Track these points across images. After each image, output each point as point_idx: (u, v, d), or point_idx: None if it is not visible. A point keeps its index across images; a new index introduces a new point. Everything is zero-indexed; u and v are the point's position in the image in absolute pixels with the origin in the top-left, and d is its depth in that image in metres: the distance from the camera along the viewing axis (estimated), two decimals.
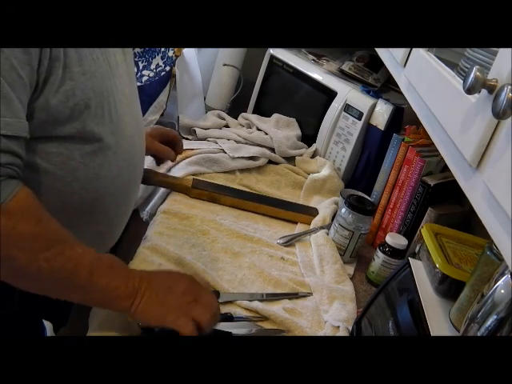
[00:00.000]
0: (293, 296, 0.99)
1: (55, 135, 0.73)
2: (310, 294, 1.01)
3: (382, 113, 1.34)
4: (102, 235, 0.90)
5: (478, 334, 0.59)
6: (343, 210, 1.15)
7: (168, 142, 1.14)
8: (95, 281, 0.71)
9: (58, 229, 0.70)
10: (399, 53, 0.90)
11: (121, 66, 0.86)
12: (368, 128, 1.37)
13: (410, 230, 1.17)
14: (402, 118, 1.33)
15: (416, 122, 1.18)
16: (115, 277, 0.74)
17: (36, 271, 0.67)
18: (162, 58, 1.53)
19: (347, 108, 1.41)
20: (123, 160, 0.85)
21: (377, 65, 1.52)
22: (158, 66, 1.52)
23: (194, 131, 1.48)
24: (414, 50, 0.83)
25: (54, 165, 0.75)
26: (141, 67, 1.52)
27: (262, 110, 1.65)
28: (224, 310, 0.91)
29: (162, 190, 1.24)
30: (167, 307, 0.76)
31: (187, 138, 1.49)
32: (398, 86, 0.95)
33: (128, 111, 0.86)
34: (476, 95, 0.50)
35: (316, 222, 1.24)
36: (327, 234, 1.19)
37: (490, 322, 0.58)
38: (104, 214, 0.86)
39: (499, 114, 0.41)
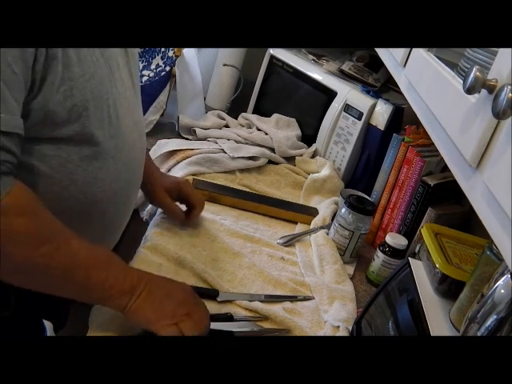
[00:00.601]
0: (292, 299, 0.99)
1: (53, 137, 0.73)
2: (310, 297, 1.01)
3: (382, 113, 1.34)
4: (100, 239, 0.87)
5: (478, 334, 0.59)
6: (343, 210, 1.15)
7: (185, 201, 1.10)
8: (91, 277, 0.71)
9: (54, 223, 0.70)
10: (399, 53, 0.90)
11: (123, 69, 0.85)
12: (368, 128, 1.37)
13: (410, 229, 1.17)
14: (402, 118, 1.33)
15: (416, 121, 1.18)
16: (112, 273, 0.73)
17: (32, 267, 0.67)
18: (162, 58, 1.53)
19: (347, 108, 1.41)
20: (122, 164, 0.84)
21: (377, 65, 1.52)
22: (158, 66, 1.52)
23: (194, 131, 1.49)
24: (413, 50, 0.83)
25: (51, 167, 0.74)
26: (141, 67, 1.52)
27: (262, 110, 1.65)
28: (224, 309, 0.91)
29: None
30: (161, 313, 0.75)
31: (187, 138, 1.49)
32: (397, 86, 0.94)
33: (129, 115, 0.86)
34: (476, 95, 0.50)
35: (316, 221, 1.24)
36: (327, 234, 1.19)
37: (489, 321, 0.58)
38: (102, 218, 0.85)
39: (499, 114, 0.41)
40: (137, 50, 0.95)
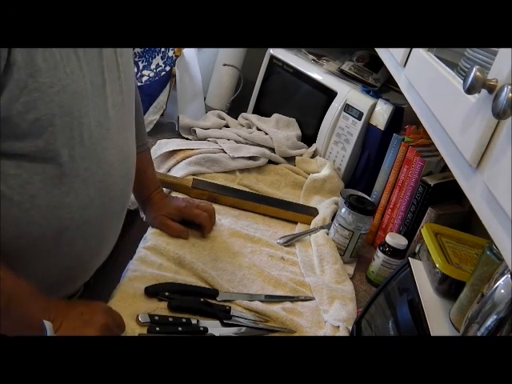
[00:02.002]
0: (292, 299, 0.99)
1: (13, 153, 0.66)
2: (310, 298, 1.01)
3: (382, 113, 1.34)
4: (69, 270, 0.82)
5: (478, 334, 0.59)
6: (343, 210, 1.15)
7: (192, 223, 1.07)
8: (13, 309, 0.67)
9: None
10: (399, 53, 0.90)
11: (111, 85, 0.78)
12: (368, 128, 1.37)
13: (410, 230, 1.17)
14: (402, 118, 1.33)
15: (416, 122, 1.18)
16: (32, 306, 0.69)
17: None
18: (162, 58, 1.53)
19: (347, 108, 1.41)
20: (96, 190, 0.77)
21: (377, 65, 1.52)
22: (158, 65, 1.52)
23: (194, 131, 1.49)
24: (413, 50, 0.83)
25: (10, 188, 0.68)
26: (141, 67, 1.52)
27: (262, 110, 1.65)
28: None
29: None
30: None
31: (187, 138, 1.49)
32: (397, 86, 0.95)
33: (109, 136, 0.78)
34: (476, 95, 0.50)
35: (316, 222, 1.24)
36: (327, 234, 1.19)
37: (489, 321, 0.58)
38: (70, 248, 0.78)
39: (499, 114, 0.41)
40: (129, 62, 0.86)
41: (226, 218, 1.17)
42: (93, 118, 0.74)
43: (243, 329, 0.88)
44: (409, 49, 0.85)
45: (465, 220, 1.15)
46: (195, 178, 1.26)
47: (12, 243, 0.70)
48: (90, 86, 0.73)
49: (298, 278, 1.05)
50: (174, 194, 1.20)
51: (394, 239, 1.10)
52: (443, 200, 1.16)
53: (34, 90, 0.64)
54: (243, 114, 1.62)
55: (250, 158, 1.40)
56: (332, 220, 1.23)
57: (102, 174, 0.78)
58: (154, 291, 0.88)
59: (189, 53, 1.58)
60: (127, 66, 0.84)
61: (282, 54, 1.60)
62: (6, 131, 0.65)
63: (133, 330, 0.80)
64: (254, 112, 1.67)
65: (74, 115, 0.70)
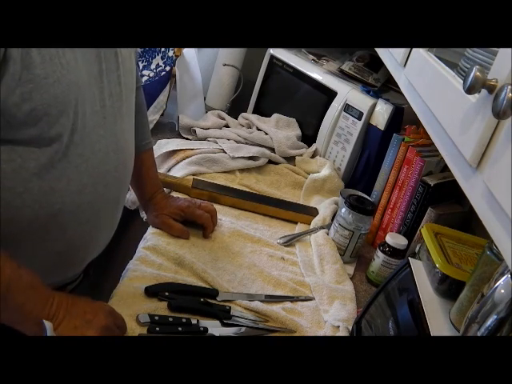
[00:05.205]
0: (292, 299, 0.99)
1: (8, 139, 0.68)
2: (310, 298, 1.01)
3: (382, 113, 1.34)
4: (61, 256, 0.82)
5: (478, 334, 0.59)
6: (343, 210, 1.15)
7: (194, 222, 1.08)
8: (10, 298, 0.67)
9: None
10: (399, 53, 0.90)
11: (109, 75, 0.79)
12: (368, 128, 1.37)
13: (410, 229, 1.17)
14: (402, 117, 1.33)
15: (416, 121, 1.18)
16: (32, 297, 0.69)
17: None
18: (162, 58, 1.53)
19: (347, 108, 1.41)
20: (89, 176, 0.78)
21: (377, 65, 1.52)
22: (158, 65, 1.53)
23: (194, 131, 1.49)
24: (413, 50, 0.83)
25: (3, 172, 0.69)
26: (141, 67, 1.52)
27: (262, 110, 1.65)
28: None
29: None
30: None
31: (187, 138, 1.49)
32: (398, 86, 0.94)
33: (105, 125, 0.79)
34: (476, 95, 0.50)
35: (316, 221, 1.24)
36: (327, 234, 1.19)
37: (489, 321, 0.58)
38: (62, 233, 0.79)
39: (499, 114, 0.41)
40: (130, 56, 0.87)
41: (226, 218, 1.17)
42: (88, 106, 0.75)
43: (243, 329, 0.88)
44: (409, 49, 0.85)
45: (465, 220, 1.15)
46: (195, 178, 1.26)
47: (4, 227, 0.70)
48: (86, 75, 0.74)
49: (298, 278, 1.05)
50: (174, 194, 1.20)
51: (394, 239, 1.10)
52: (443, 200, 1.16)
53: (28, 81, 0.65)
54: (243, 114, 1.62)
55: (250, 158, 1.40)
56: (332, 220, 1.23)
57: (96, 162, 0.78)
58: (153, 291, 0.88)
59: (189, 53, 1.58)
60: (128, 59, 0.86)
61: (282, 54, 1.60)
62: (3, 121, 0.66)
63: (133, 330, 0.80)
64: (254, 112, 1.68)
65: (69, 105, 0.71)
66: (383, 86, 1.51)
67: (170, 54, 1.52)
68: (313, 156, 1.49)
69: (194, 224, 1.08)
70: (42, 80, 0.67)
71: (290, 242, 1.16)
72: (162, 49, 1.53)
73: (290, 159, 1.48)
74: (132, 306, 0.85)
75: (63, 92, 0.70)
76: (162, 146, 1.36)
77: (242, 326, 0.89)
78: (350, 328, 0.93)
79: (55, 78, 0.68)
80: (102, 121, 0.79)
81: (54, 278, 0.84)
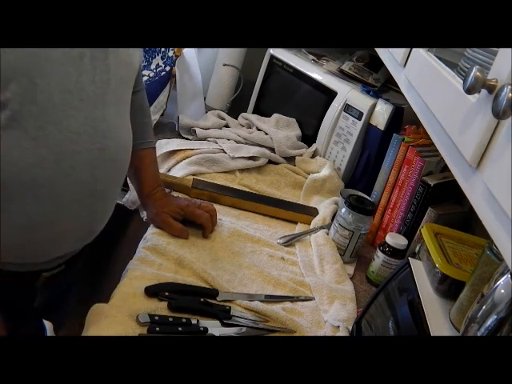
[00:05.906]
0: (292, 299, 0.99)
1: None
2: (310, 298, 1.01)
3: (382, 113, 1.34)
4: (24, 233, 0.80)
5: (478, 334, 0.59)
6: (343, 210, 1.15)
7: (193, 222, 1.08)
8: None
9: None
10: (399, 53, 0.90)
11: (94, 61, 0.79)
12: (368, 128, 1.37)
13: (410, 229, 1.17)
14: (402, 117, 1.33)
15: (416, 122, 1.18)
16: None
17: None
18: (162, 58, 1.53)
19: (347, 108, 1.41)
20: (49, 151, 0.76)
21: (377, 65, 1.52)
22: (158, 65, 1.53)
23: (194, 131, 1.49)
24: (413, 49, 0.83)
25: None
26: (141, 67, 1.52)
27: (262, 110, 1.65)
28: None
29: None
30: None
31: (187, 138, 1.49)
32: (398, 86, 0.94)
33: (81, 107, 0.78)
34: (476, 95, 0.50)
35: (316, 221, 1.24)
36: (327, 234, 1.19)
37: (489, 321, 0.58)
38: (20, 206, 0.78)
39: (499, 114, 0.41)
40: (128, 50, 0.88)
41: (226, 218, 1.17)
42: (56, 82, 0.75)
43: (243, 329, 0.88)
44: (409, 49, 0.85)
45: (465, 220, 1.15)
46: (195, 178, 1.26)
47: None
48: (59, 52, 0.74)
49: (298, 278, 1.05)
50: (174, 194, 1.20)
51: (394, 239, 1.10)
52: (443, 200, 1.16)
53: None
54: (243, 114, 1.62)
55: (250, 158, 1.40)
56: (332, 220, 1.23)
57: (62, 139, 0.77)
58: (154, 291, 0.88)
59: (189, 53, 1.58)
60: (124, 52, 0.86)
61: (282, 54, 1.60)
62: None
63: (133, 330, 0.80)
64: (254, 112, 1.68)
65: (21, 72, 0.71)
66: (383, 86, 1.51)
67: (170, 54, 1.52)
68: (313, 156, 1.49)
69: (194, 224, 1.08)
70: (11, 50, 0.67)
71: (289, 242, 1.16)
72: (162, 49, 1.53)
73: (290, 159, 1.48)
74: (132, 306, 0.85)
75: (17, 58, 0.69)
76: (162, 146, 1.36)
77: (242, 326, 0.89)
78: (350, 328, 0.93)
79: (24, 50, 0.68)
80: (77, 102, 0.78)
81: (22, 258, 0.83)
